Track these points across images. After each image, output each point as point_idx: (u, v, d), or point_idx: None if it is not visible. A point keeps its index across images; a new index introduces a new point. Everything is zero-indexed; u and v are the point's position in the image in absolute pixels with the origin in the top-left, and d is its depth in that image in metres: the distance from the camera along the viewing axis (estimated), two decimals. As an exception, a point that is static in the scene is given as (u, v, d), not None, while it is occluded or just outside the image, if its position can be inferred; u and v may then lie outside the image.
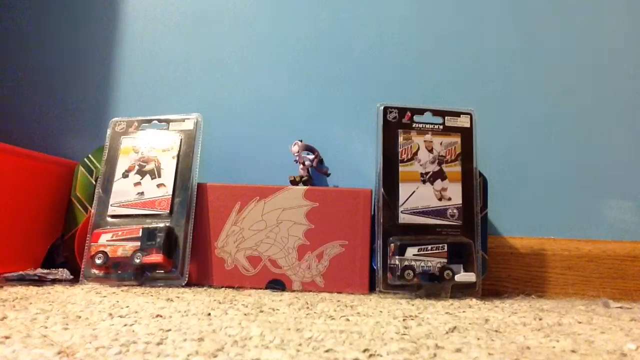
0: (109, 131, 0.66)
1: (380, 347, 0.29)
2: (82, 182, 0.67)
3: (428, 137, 0.59)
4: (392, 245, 0.55)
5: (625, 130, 0.70)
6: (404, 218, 0.57)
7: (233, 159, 0.77)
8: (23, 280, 0.59)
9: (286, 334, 0.32)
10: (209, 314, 0.39)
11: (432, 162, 0.59)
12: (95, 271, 0.58)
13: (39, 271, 0.60)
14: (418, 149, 0.59)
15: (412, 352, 0.28)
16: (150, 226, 0.58)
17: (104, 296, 0.48)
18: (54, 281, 0.60)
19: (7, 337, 0.29)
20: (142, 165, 0.63)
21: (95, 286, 0.56)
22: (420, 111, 0.60)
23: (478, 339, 0.32)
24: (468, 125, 0.60)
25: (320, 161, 0.72)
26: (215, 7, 0.82)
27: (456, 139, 0.60)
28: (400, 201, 0.57)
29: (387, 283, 0.54)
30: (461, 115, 0.60)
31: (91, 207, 0.63)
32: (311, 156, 0.69)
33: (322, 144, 0.74)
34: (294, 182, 0.67)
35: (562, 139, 0.71)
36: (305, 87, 0.78)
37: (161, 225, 0.59)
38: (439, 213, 0.57)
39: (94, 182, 0.67)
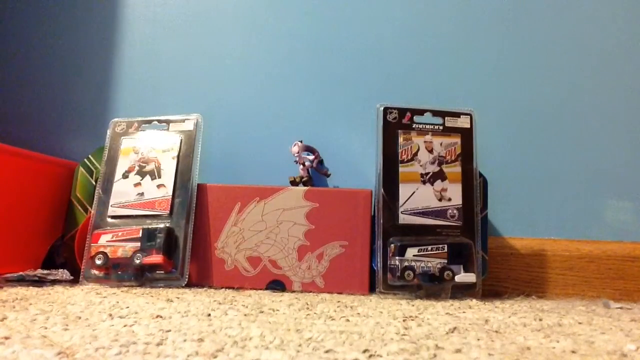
0: (109, 132, 0.66)
1: (380, 347, 0.29)
2: (82, 182, 0.67)
3: (428, 137, 0.59)
4: (392, 245, 0.55)
5: (625, 130, 0.70)
6: (404, 219, 0.57)
7: (233, 159, 0.77)
8: (23, 281, 0.59)
9: (286, 335, 0.32)
10: (209, 315, 0.39)
11: (432, 163, 0.59)
12: (95, 272, 0.58)
13: (39, 272, 0.60)
14: (418, 149, 0.59)
15: (412, 352, 0.28)
16: (150, 227, 0.58)
17: (104, 297, 0.48)
18: (54, 282, 0.60)
19: (7, 338, 0.29)
20: (142, 165, 0.63)
21: (95, 287, 0.56)
22: (420, 112, 0.60)
23: (478, 339, 0.32)
24: (468, 125, 0.60)
25: (320, 162, 0.72)
26: (215, 7, 0.82)
27: (456, 140, 0.60)
28: (401, 202, 0.57)
29: (387, 283, 0.54)
30: (461, 116, 0.60)
31: (91, 207, 0.63)
32: (311, 157, 0.69)
33: (322, 144, 0.74)
34: (294, 183, 0.67)
35: (562, 139, 0.71)
36: (305, 88, 0.78)
37: (161, 225, 0.59)
38: (439, 214, 0.57)
39: (94, 183, 0.67)
